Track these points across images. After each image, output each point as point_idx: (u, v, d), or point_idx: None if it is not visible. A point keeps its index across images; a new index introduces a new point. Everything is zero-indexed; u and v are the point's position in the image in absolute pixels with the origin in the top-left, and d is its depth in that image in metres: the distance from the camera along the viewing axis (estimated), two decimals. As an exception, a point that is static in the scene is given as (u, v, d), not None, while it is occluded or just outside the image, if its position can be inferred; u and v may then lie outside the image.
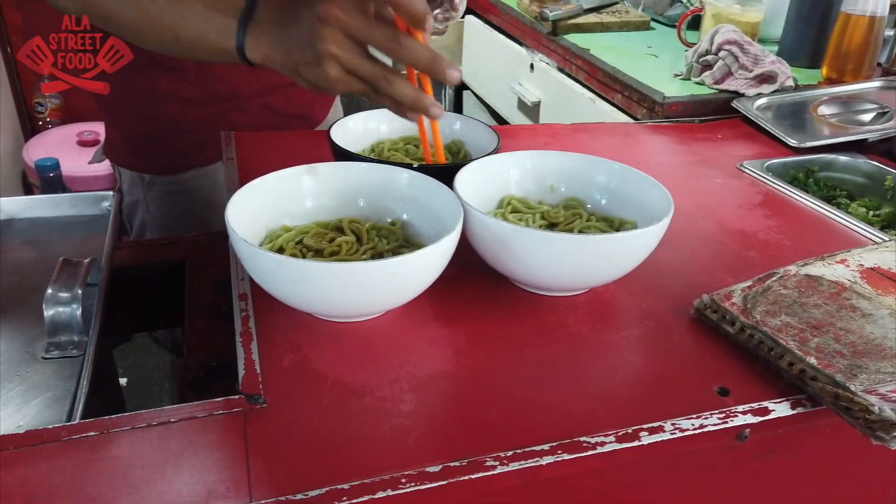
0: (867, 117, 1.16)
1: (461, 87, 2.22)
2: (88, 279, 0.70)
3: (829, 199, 0.97)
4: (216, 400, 0.51)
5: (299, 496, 0.44)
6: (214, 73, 0.97)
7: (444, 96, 2.34)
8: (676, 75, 1.30)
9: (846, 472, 0.63)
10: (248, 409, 0.51)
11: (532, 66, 1.64)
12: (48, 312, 0.66)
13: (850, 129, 1.10)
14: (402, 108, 0.64)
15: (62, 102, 2.35)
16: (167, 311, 0.94)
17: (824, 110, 1.17)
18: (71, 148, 2.19)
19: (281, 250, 0.63)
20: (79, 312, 0.67)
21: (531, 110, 1.66)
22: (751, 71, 1.20)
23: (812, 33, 1.37)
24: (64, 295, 0.67)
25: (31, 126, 2.37)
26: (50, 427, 0.48)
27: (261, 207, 0.64)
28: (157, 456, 0.46)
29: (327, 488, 0.44)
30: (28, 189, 2.22)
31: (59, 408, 0.60)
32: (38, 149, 2.16)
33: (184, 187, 1.07)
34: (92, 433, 0.48)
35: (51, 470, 0.45)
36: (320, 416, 0.50)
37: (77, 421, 0.53)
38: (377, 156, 0.82)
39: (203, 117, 1.01)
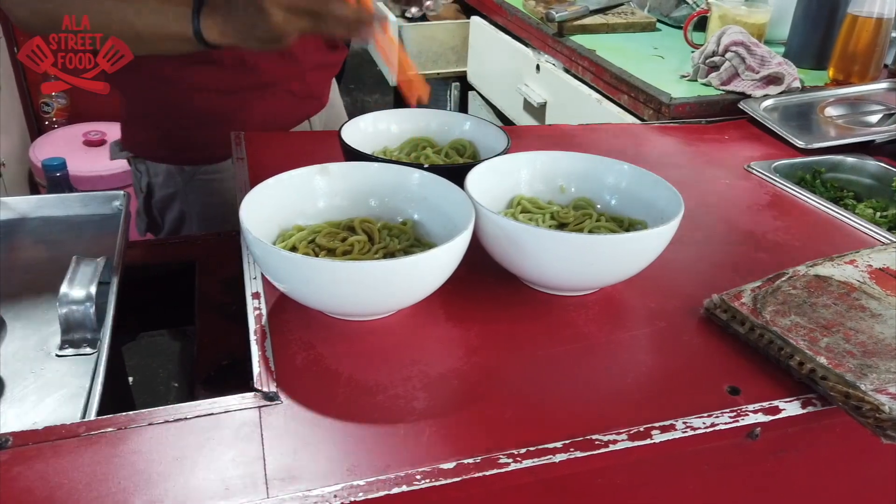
0: (874, 118, 1.16)
1: (467, 87, 2.23)
2: (101, 277, 0.70)
3: (836, 201, 0.97)
4: (232, 396, 0.52)
5: (315, 492, 0.44)
6: (246, 61, 1.00)
7: (450, 97, 2.35)
8: (683, 76, 1.30)
9: (856, 472, 0.63)
10: (263, 405, 0.51)
11: (538, 67, 1.64)
12: (62, 311, 0.67)
13: (857, 131, 1.11)
14: (353, 30, 0.74)
15: (68, 102, 2.36)
16: (177, 310, 0.95)
17: (831, 112, 1.17)
18: (77, 148, 2.20)
19: (294, 250, 0.63)
20: (92, 311, 0.67)
21: (537, 111, 1.66)
22: (757, 72, 1.20)
23: (819, 35, 1.37)
24: (78, 293, 0.67)
25: (37, 126, 2.38)
26: (68, 423, 0.49)
27: (274, 207, 0.65)
28: (174, 452, 0.47)
29: (343, 484, 0.45)
30: (34, 188, 2.23)
31: (73, 405, 0.61)
32: (45, 148, 2.17)
33: (223, 175, 1.09)
34: (110, 429, 0.48)
35: (70, 465, 0.45)
36: (335, 413, 0.51)
37: (92, 417, 0.54)
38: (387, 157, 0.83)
39: (235, 106, 1.04)
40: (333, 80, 1.24)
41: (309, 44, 1.06)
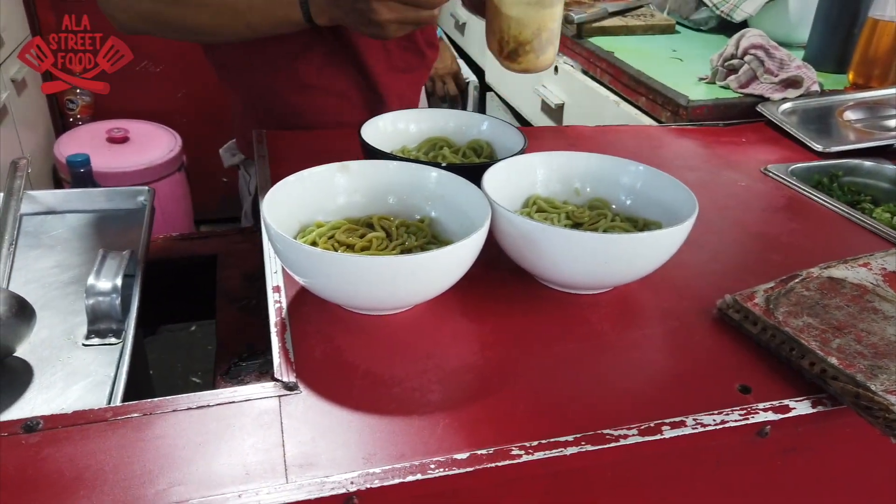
0: (893, 123, 1.15)
1: (485, 88, 2.24)
2: (126, 270, 0.72)
3: (853, 204, 0.97)
4: (252, 385, 0.53)
5: (333, 478, 0.46)
6: (359, 59, 1.06)
7: (468, 98, 2.36)
8: (701, 79, 1.30)
9: (866, 471, 0.64)
10: (282, 395, 0.53)
11: (556, 69, 1.65)
12: (89, 302, 0.69)
13: (876, 135, 1.10)
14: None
15: (92, 100, 2.40)
16: (198, 303, 0.97)
17: (850, 115, 1.17)
18: (101, 144, 2.24)
19: (314, 245, 0.65)
20: (118, 302, 0.69)
21: (555, 113, 1.67)
22: (776, 75, 1.20)
23: (839, 38, 1.37)
24: (104, 285, 0.70)
25: (62, 122, 2.42)
26: (96, 408, 0.50)
27: (295, 203, 0.66)
28: (197, 437, 0.49)
29: (359, 472, 0.46)
30: (58, 184, 2.27)
31: (99, 392, 0.63)
32: (69, 145, 2.20)
33: None
34: (135, 414, 0.50)
35: (97, 448, 0.47)
36: (352, 404, 0.52)
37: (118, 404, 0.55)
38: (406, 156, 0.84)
39: (342, 108, 1.08)
40: (423, 89, 1.28)
41: (400, 48, 1.10)
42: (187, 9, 0.86)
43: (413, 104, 1.18)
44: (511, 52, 0.83)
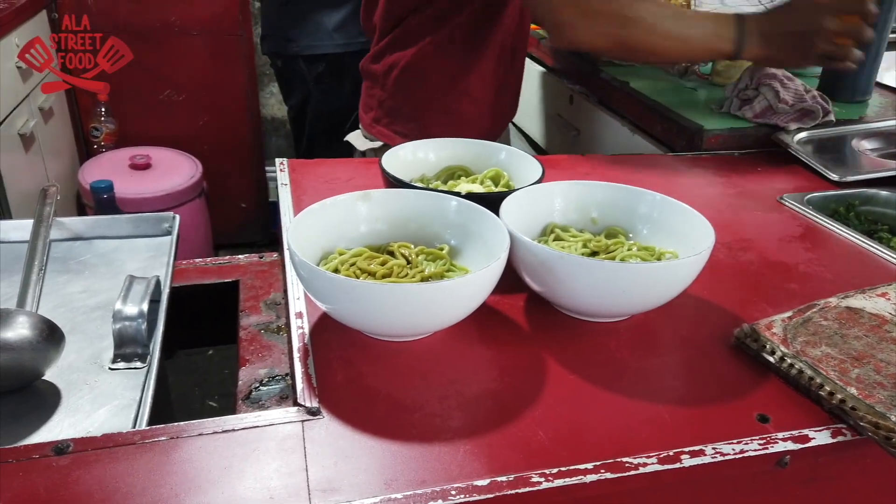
0: (909, 152, 1.16)
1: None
2: (151, 296, 0.74)
3: (870, 234, 0.97)
4: (276, 410, 0.54)
5: (355, 503, 0.46)
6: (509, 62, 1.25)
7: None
8: (715, 108, 1.31)
9: (886, 502, 0.63)
10: (305, 419, 0.54)
11: (571, 99, 1.67)
12: (116, 326, 0.70)
13: (892, 164, 1.11)
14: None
15: (116, 127, 2.45)
16: (219, 328, 0.98)
17: (865, 145, 1.18)
18: (124, 171, 2.28)
19: (336, 271, 0.66)
20: (144, 327, 0.71)
21: (570, 141, 1.68)
22: (791, 105, 1.21)
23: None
24: (131, 310, 0.71)
25: (86, 150, 2.47)
26: (124, 431, 0.51)
27: (318, 230, 0.68)
28: (223, 461, 0.50)
29: (381, 497, 0.47)
30: (82, 209, 2.31)
31: (124, 415, 0.64)
32: (93, 171, 2.25)
33: None
34: (163, 438, 0.51)
35: (125, 471, 0.48)
36: (373, 429, 0.53)
37: (144, 427, 0.57)
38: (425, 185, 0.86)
39: (478, 112, 1.25)
40: None
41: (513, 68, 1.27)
42: (637, 28, 1.00)
43: (508, 118, 1.38)
44: None
